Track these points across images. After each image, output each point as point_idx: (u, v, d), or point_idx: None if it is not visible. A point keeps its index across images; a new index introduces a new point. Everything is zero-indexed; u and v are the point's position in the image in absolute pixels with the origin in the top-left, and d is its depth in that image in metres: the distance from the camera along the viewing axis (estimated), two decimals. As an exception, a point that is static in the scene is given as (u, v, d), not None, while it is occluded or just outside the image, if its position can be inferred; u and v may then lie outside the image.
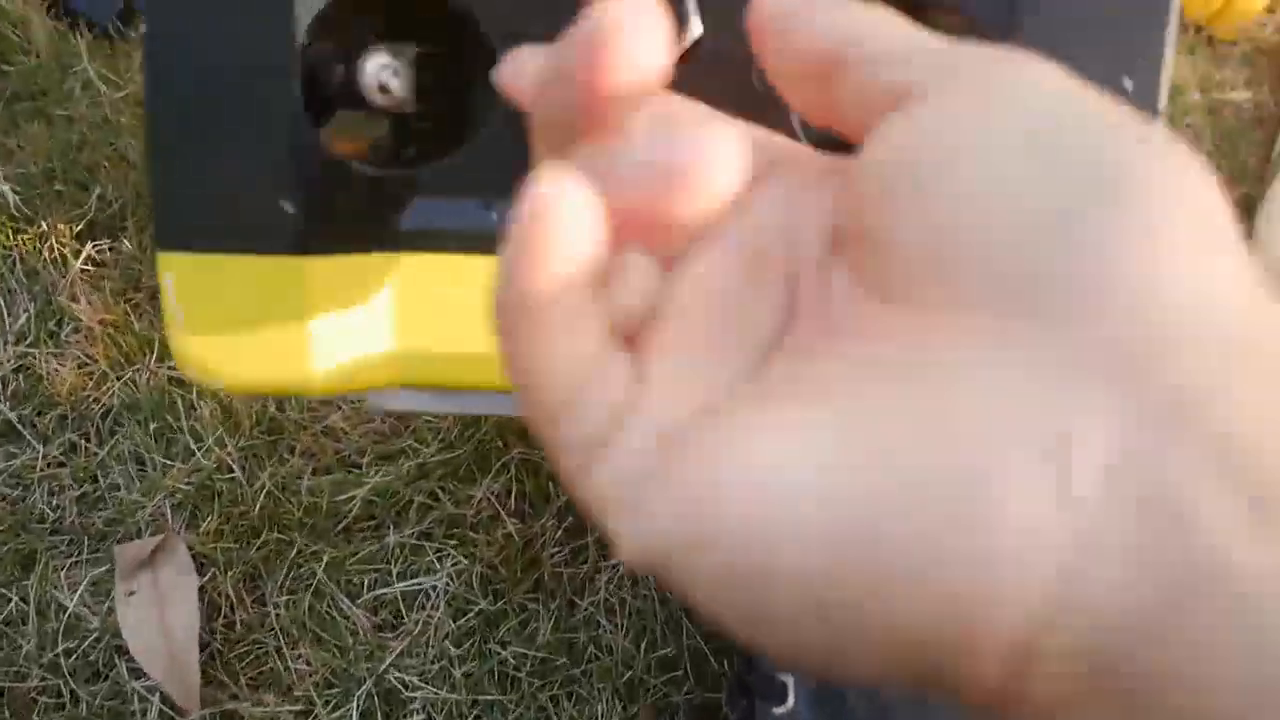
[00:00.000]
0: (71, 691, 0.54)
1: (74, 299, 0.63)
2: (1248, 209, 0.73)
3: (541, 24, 0.30)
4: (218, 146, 0.30)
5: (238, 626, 0.56)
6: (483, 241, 0.32)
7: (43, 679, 0.54)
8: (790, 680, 0.51)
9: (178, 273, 0.30)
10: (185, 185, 0.30)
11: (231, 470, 0.59)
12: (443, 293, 0.32)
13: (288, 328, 0.31)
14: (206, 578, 0.57)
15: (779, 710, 0.50)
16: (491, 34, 0.31)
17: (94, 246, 0.65)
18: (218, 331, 0.31)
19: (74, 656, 0.54)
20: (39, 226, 0.65)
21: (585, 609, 0.59)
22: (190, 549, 0.57)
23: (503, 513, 0.60)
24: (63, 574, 0.56)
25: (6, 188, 0.66)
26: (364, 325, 0.32)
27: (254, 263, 0.30)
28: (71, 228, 0.66)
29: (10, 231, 0.65)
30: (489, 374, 0.33)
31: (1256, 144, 0.75)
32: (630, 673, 0.57)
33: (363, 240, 0.32)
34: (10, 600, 0.56)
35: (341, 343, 0.32)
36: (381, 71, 0.32)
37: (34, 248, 0.65)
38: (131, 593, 0.53)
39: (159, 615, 0.52)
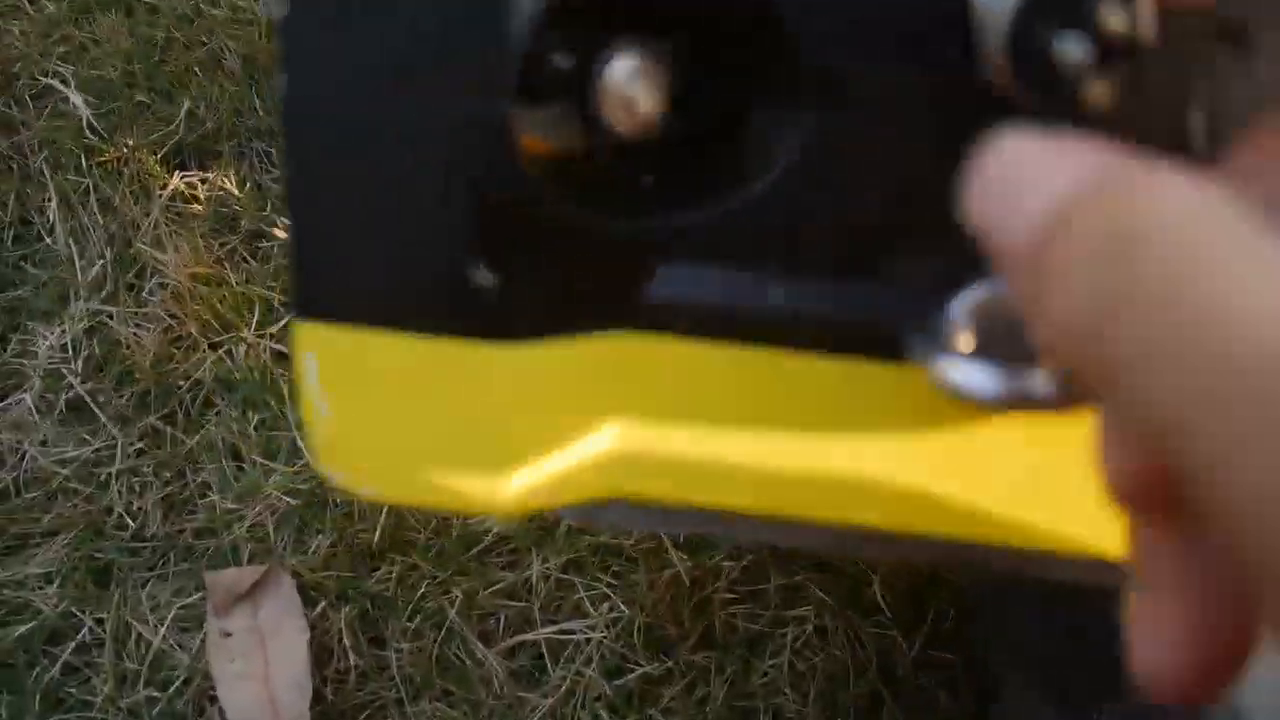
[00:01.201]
0: (156, 745, 0.45)
1: (158, 244, 0.53)
2: None
3: (870, 27, 0.24)
4: (388, 184, 0.24)
5: (352, 676, 0.47)
6: (755, 326, 0.25)
7: (122, 726, 0.45)
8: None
9: (322, 350, 0.25)
10: (336, 236, 0.24)
11: (347, 479, 0.49)
12: (690, 388, 0.26)
13: (473, 431, 0.25)
14: (315, 612, 0.48)
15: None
16: (796, 31, 0.24)
17: (182, 177, 0.55)
18: (375, 430, 0.26)
19: (158, 705, 0.46)
20: (117, 148, 0.55)
21: (765, 672, 0.50)
22: (297, 576, 0.48)
23: (669, 544, 0.50)
24: (144, 594, 0.48)
25: (79, 98, 0.55)
26: (577, 426, 0.26)
27: (433, 347, 0.25)
28: (155, 151, 0.55)
29: (84, 152, 0.54)
30: (734, 493, 0.27)
31: None
32: (818, 757, 0.48)
33: (584, 319, 0.25)
34: (84, 625, 0.47)
35: (545, 450, 0.26)
36: (629, 81, 0.24)
37: (111, 174, 0.54)
38: (227, 634, 0.45)
39: (261, 668, 0.44)
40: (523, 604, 0.50)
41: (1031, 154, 0.15)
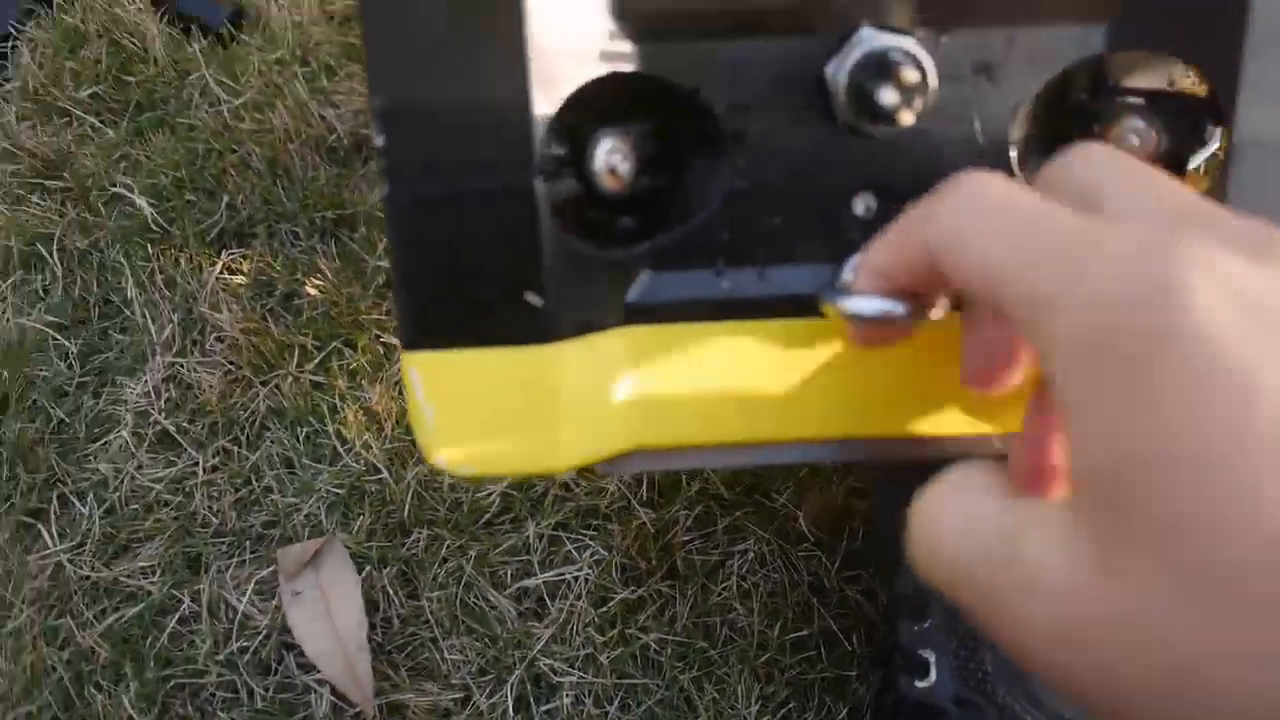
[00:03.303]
0: (246, 685, 0.57)
1: (215, 308, 0.66)
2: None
3: (763, 96, 0.32)
4: (459, 247, 0.31)
5: (395, 621, 0.59)
6: (715, 309, 0.33)
7: (219, 675, 0.57)
8: (932, 656, 0.53)
9: (424, 370, 0.31)
10: (428, 287, 0.31)
11: (379, 470, 0.62)
12: (677, 359, 0.34)
13: (534, 413, 0.32)
14: (363, 575, 0.60)
15: (921, 684, 0.53)
16: (716, 108, 0.32)
17: (228, 255, 0.68)
18: (466, 423, 0.32)
19: (247, 654, 0.58)
20: (174, 237, 0.68)
21: (719, 593, 0.61)
22: (345, 548, 0.60)
23: (634, 503, 0.62)
24: (228, 575, 0.60)
25: (142, 200, 0.68)
26: (603, 399, 0.33)
27: (500, 355, 0.31)
28: (204, 237, 0.68)
29: (149, 243, 0.68)
30: (719, 430, 0.35)
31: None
32: (766, 654, 0.60)
33: (599, 319, 0.33)
34: (183, 602, 0.59)
35: (585, 420, 0.33)
36: (611, 156, 0.33)
37: (171, 258, 0.67)
38: (297, 593, 0.57)
39: (327, 614, 0.55)
40: (524, 558, 0.62)
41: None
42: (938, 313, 0.29)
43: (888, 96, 0.31)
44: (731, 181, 0.33)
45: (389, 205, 0.31)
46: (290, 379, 0.64)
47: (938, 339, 0.33)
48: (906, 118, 0.32)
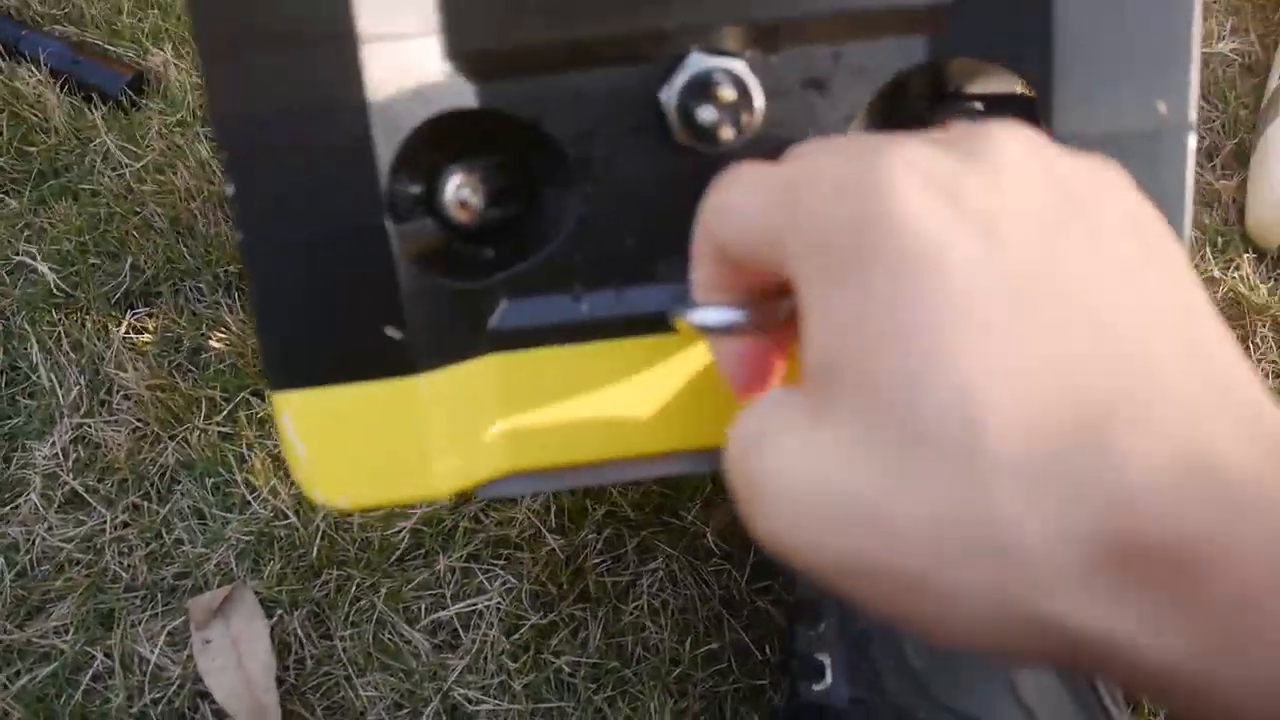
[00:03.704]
0: (162, 737, 0.58)
1: (120, 368, 0.66)
2: (1242, 159, 0.75)
3: (605, 124, 0.33)
4: (317, 289, 0.32)
5: (308, 662, 0.60)
6: (574, 332, 0.34)
7: (135, 728, 0.58)
8: (827, 659, 0.54)
9: (293, 409, 0.32)
10: (291, 328, 0.32)
11: (287, 516, 0.63)
12: (543, 382, 0.35)
13: (405, 443, 0.33)
14: (274, 620, 0.60)
15: (817, 687, 0.54)
16: (560, 138, 0.33)
17: (133, 315, 0.69)
18: (340, 458, 0.33)
19: (160, 705, 0.58)
20: (79, 301, 0.69)
21: (631, 613, 0.62)
22: (257, 594, 0.61)
23: (544, 530, 0.63)
24: (141, 628, 0.60)
25: (45, 266, 0.69)
26: (474, 426, 0.34)
27: (365, 389, 0.32)
28: (109, 298, 0.69)
29: (53, 309, 0.69)
30: (588, 449, 0.36)
31: (1246, 93, 0.76)
32: (678, 669, 0.61)
33: (463, 349, 0.34)
34: (96, 658, 0.60)
35: (457, 447, 0.34)
36: (460, 191, 0.34)
37: (77, 321, 0.68)
38: (208, 641, 0.57)
39: (237, 661, 0.56)
40: (436, 591, 0.62)
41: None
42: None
43: (707, 115, 0.33)
44: (582, 208, 0.34)
45: (245, 252, 0.32)
46: (198, 432, 0.65)
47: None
48: (727, 134, 0.33)
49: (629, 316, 0.35)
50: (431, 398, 0.33)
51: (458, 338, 0.34)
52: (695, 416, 0.36)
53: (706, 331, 0.30)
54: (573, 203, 0.34)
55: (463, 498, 0.63)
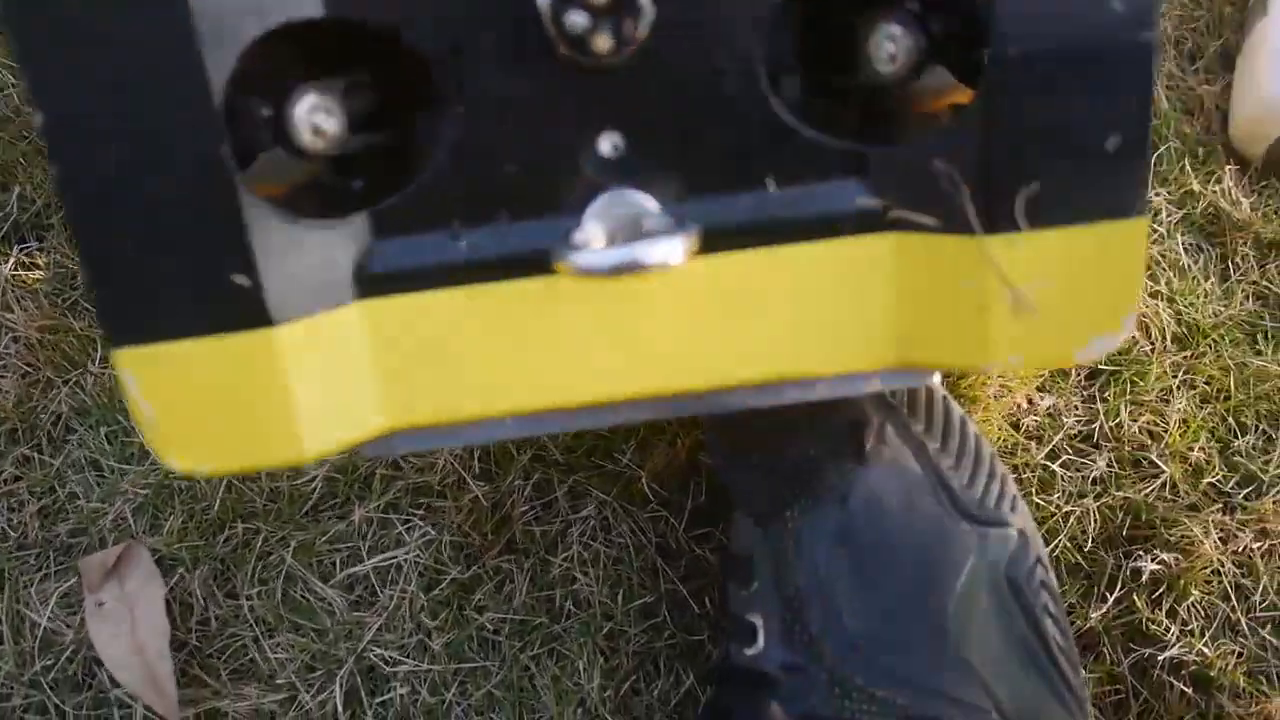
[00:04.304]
0: (56, 705, 0.54)
1: (7, 308, 0.61)
2: (1227, 62, 0.69)
3: (476, 35, 0.29)
4: (151, 231, 0.28)
5: (213, 622, 0.56)
6: (455, 273, 0.31)
7: (26, 696, 0.54)
8: (759, 621, 0.50)
9: (136, 366, 0.29)
10: (126, 276, 0.28)
11: (186, 467, 0.58)
12: (421, 332, 0.31)
13: (266, 403, 0.30)
14: (175, 578, 0.56)
15: (749, 651, 0.50)
16: (424, 52, 0.29)
17: (21, 250, 0.64)
18: (194, 419, 0.30)
19: (53, 671, 0.54)
20: (-38, 236, 0.64)
21: (560, 564, 0.58)
22: (155, 552, 0.57)
23: (467, 477, 0.59)
24: (33, 590, 0.56)
25: (-78, 199, 0.64)
26: (346, 383, 0.31)
27: (218, 342, 0.29)
28: (-4, 233, 0.64)
29: (-67, 244, 0.63)
30: (482, 403, 0.32)
31: (1231, -11, 0.70)
32: (611, 624, 0.57)
33: (328, 295, 0.30)
34: (-16, 622, 0.56)
35: (328, 405, 0.30)
36: (313, 114, 0.30)
37: (-40, 258, 0.63)
38: (101, 604, 0.53)
39: (129, 625, 0.52)
40: (352, 544, 0.58)
41: None
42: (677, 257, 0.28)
43: (577, 19, 0.29)
44: (456, 133, 0.30)
45: (62, 190, 0.28)
46: (93, 377, 0.61)
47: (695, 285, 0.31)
48: (602, 44, 0.29)
49: (513, 256, 0.31)
50: (293, 351, 0.30)
51: (321, 283, 0.30)
52: (586, 367, 0.33)
53: (591, 276, 0.28)
54: (445, 127, 0.31)
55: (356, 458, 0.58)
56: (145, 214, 0.28)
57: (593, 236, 0.29)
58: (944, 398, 0.51)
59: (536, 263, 0.31)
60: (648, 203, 0.31)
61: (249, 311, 0.29)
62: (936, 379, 0.36)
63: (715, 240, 0.31)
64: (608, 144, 0.31)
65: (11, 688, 0.54)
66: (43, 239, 0.64)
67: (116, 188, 0.28)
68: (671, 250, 0.28)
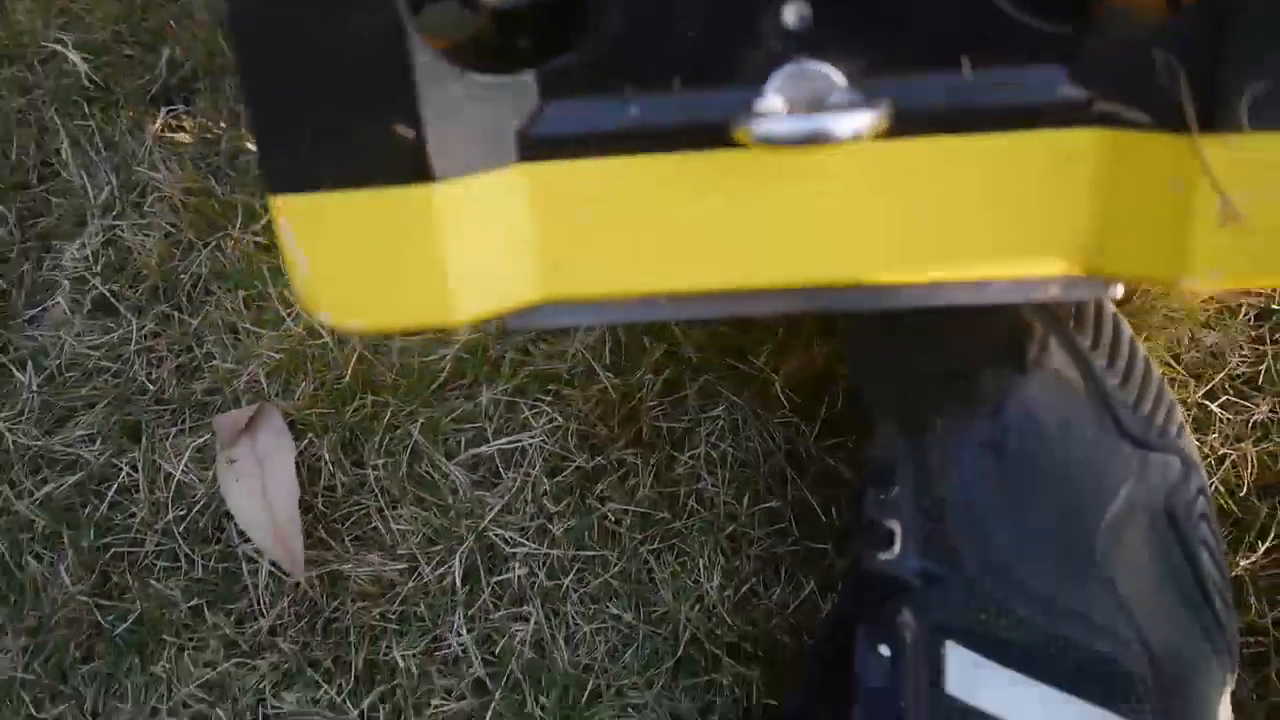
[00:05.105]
0: (186, 554, 0.55)
1: (154, 168, 0.62)
2: None
3: None
4: (318, 76, 0.27)
5: (339, 489, 0.56)
6: (624, 141, 0.29)
7: (158, 544, 0.55)
8: (897, 526, 0.48)
9: (294, 216, 0.29)
10: (290, 122, 0.28)
11: (321, 335, 0.58)
12: (585, 200, 0.30)
13: (421, 261, 0.29)
14: (304, 443, 0.57)
15: (884, 556, 0.48)
16: None
17: (169, 112, 0.64)
18: (347, 274, 0.29)
19: (184, 522, 0.55)
20: (112, 95, 0.64)
21: (686, 462, 0.57)
22: (287, 415, 0.57)
23: (597, 367, 0.58)
24: (168, 443, 0.57)
25: (76, 56, 0.64)
26: (501, 247, 0.30)
27: (377, 196, 0.28)
28: (145, 93, 0.64)
29: (86, 102, 0.64)
30: (640, 280, 0.31)
31: None
32: (733, 526, 0.56)
33: (491, 156, 0.29)
34: (121, 470, 0.57)
35: (482, 270, 0.30)
36: None
37: (109, 117, 0.64)
38: (233, 461, 0.54)
39: (260, 484, 0.53)
40: (477, 425, 0.58)
41: None
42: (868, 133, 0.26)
43: None
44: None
45: (234, 27, 0.28)
46: (233, 241, 0.61)
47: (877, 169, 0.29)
48: None
49: (686, 125, 0.30)
50: (451, 210, 0.29)
51: (484, 143, 0.29)
52: (754, 250, 0.31)
53: (774, 145, 0.26)
54: None
55: (502, 329, 0.57)
56: (313, 57, 0.27)
57: (776, 107, 0.28)
58: (1114, 314, 0.48)
59: (710, 134, 0.29)
60: (835, 76, 0.29)
61: (411, 165, 0.28)
62: (1118, 292, 0.33)
63: (904, 123, 0.29)
64: (793, 13, 0.29)
65: (144, 534, 0.56)
66: (190, 102, 0.64)
67: (286, 29, 0.27)
68: (864, 124, 0.26)
